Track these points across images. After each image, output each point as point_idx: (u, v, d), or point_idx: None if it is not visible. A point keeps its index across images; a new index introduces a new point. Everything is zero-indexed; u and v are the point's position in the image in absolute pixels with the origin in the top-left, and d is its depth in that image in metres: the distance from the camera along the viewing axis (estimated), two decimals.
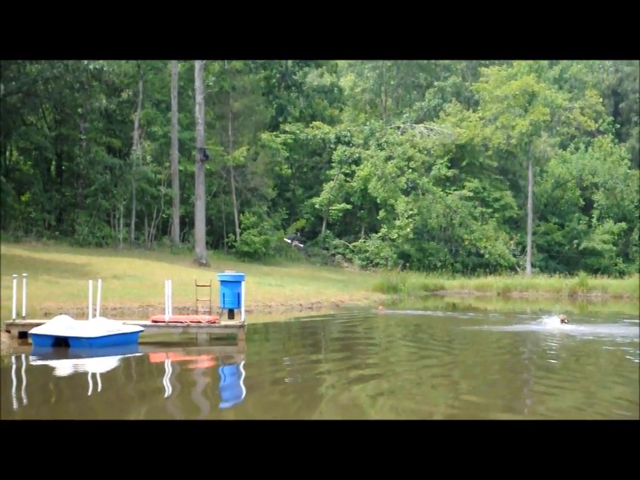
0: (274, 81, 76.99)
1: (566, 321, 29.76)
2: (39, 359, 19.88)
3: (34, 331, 21.52)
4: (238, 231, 61.41)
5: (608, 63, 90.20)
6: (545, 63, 74.25)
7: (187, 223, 61.27)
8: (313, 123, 75.53)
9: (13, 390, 15.42)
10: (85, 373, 17.92)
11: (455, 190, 71.02)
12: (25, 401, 14.29)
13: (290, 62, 77.10)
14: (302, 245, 61.29)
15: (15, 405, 13.59)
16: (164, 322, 23.74)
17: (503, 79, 70.98)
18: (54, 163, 59.42)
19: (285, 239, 58.77)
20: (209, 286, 26.89)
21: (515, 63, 72.33)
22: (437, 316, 37.84)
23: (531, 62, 70.68)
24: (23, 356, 20.09)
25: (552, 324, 29.70)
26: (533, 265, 69.05)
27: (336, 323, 33.89)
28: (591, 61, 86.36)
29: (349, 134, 74.56)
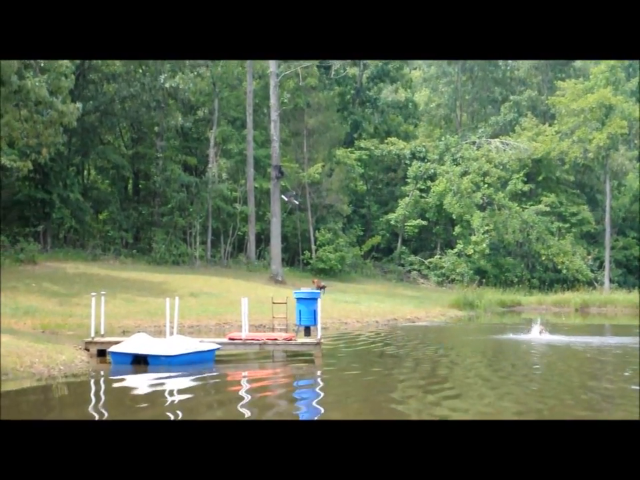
0: (348, 97, 77.16)
1: (544, 331, 32.43)
2: (119, 377, 20.01)
3: (113, 349, 21.69)
4: (313, 247, 61.51)
5: None
6: (622, 75, 73.35)
7: (263, 240, 61.43)
8: (388, 138, 75.49)
9: (91, 407, 15.49)
10: (163, 391, 17.95)
11: (531, 205, 70.43)
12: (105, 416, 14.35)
13: (364, 78, 77.30)
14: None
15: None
16: (240, 339, 23.82)
17: (580, 92, 70.14)
18: (131, 181, 60.22)
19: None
20: (285, 303, 26.93)
21: (592, 75, 71.66)
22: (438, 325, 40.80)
23: (607, 74, 70.09)
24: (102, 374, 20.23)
25: (531, 334, 32.49)
26: (611, 280, 68.10)
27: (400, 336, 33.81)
28: None
29: (424, 149, 74.44)
